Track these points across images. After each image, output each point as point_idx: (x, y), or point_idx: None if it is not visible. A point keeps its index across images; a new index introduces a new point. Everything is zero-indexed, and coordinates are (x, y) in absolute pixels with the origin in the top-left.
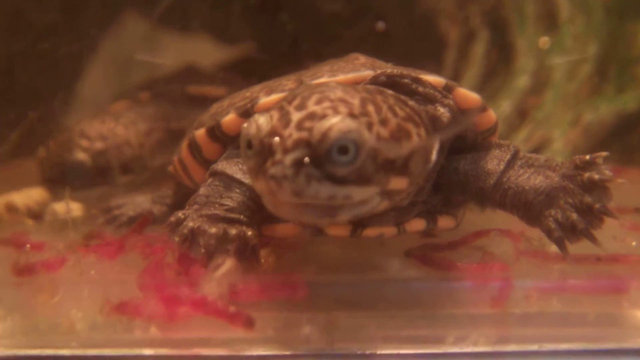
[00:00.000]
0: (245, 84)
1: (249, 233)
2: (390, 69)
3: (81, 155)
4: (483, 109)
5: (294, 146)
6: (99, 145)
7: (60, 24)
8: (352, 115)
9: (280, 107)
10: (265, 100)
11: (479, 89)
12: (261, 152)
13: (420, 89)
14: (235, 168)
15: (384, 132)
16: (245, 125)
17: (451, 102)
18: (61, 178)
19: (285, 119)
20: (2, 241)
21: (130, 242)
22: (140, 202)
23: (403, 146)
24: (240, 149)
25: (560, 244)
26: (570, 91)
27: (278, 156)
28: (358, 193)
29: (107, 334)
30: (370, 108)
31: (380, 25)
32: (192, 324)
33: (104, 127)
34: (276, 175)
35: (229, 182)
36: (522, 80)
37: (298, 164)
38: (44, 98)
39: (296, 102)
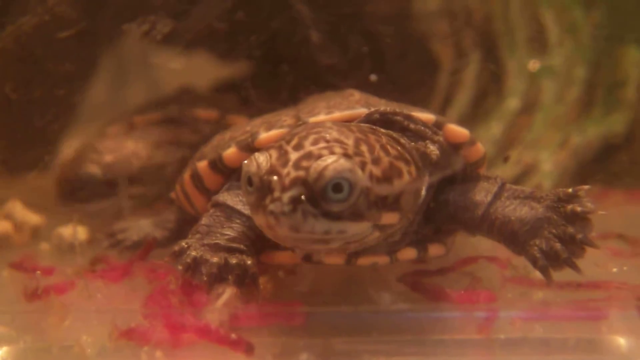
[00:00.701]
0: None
1: (249, 262)
2: (383, 106)
3: (92, 168)
4: (472, 143)
5: (291, 184)
6: (108, 157)
7: (75, 73)
8: (346, 155)
9: (279, 146)
10: (264, 135)
11: (469, 111)
12: (261, 188)
13: (412, 126)
14: (236, 200)
15: (377, 171)
16: (245, 162)
17: (441, 138)
18: (73, 193)
19: (283, 158)
20: (13, 265)
21: (135, 268)
22: (143, 226)
23: (394, 184)
24: (240, 181)
25: (544, 272)
26: (559, 113)
27: (276, 194)
28: (351, 228)
29: (116, 359)
30: (364, 148)
31: (373, 77)
32: (195, 350)
33: (114, 141)
34: (275, 212)
35: (230, 213)
36: (512, 102)
37: (295, 201)
38: (59, 142)
39: (294, 142)
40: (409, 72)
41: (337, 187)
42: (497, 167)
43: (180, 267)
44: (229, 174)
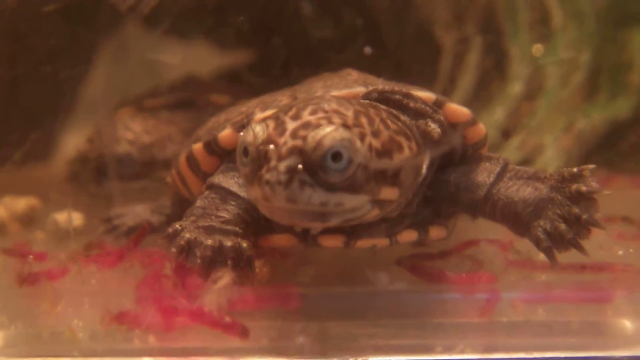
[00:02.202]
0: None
1: (244, 245)
2: (381, 85)
3: (128, 148)
4: (473, 123)
5: (288, 153)
6: (146, 138)
7: (62, 49)
8: (345, 125)
9: (276, 116)
10: (260, 115)
11: (473, 95)
12: (257, 159)
13: (412, 104)
14: (231, 181)
15: (376, 144)
16: (242, 133)
17: (441, 117)
18: (103, 171)
19: (280, 127)
20: (5, 251)
21: (129, 253)
22: (139, 211)
23: (394, 158)
24: (236, 162)
25: (549, 253)
26: (563, 98)
27: (273, 163)
28: (349, 201)
29: (107, 343)
30: (363, 120)
31: (368, 50)
32: (189, 334)
33: (148, 122)
34: (270, 181)
35: (225, 195)
36: (516, 87)
37: (292, 170)
38: (45, 119)
39: (292, 113)
40: (411, 56)
41: (336, 157)
42: (503, 150)
43: (173, 250)
44: (225, 155)
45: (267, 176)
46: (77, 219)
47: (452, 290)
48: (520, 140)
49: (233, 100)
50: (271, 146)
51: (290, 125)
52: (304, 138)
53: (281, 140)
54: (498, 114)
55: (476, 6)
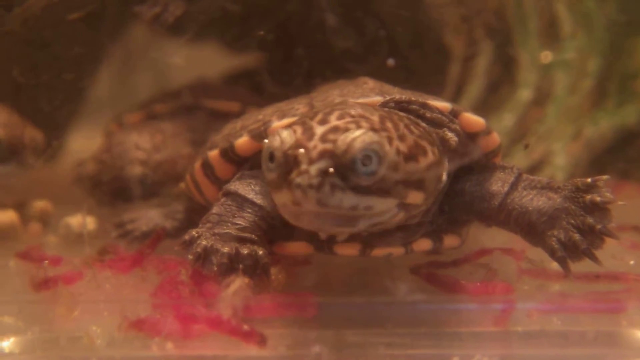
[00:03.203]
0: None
1: (260, 252)
2: (398, 94)
3: (142, 169)
4: (488, 132)
5: (319, 157)
6: (157, 157)
7: (84, 57)
8: (373, 129)
9: (303, 122)
10: (277, 124)
11: (482, 102)
12: (284, 164)
13: (428, 114)
14: (247, 189)
15: (403, 147)
16: (268, 139)
17: (457, 126)
18: (119, 193)
19: (309, 132)
20: (19, 255)
21: (144, 258)
22: (152, 216)
23: (420, 161)
24: (261, 167)
25: (563, 263)
26: (571, 105)
27: (304, 166)
28: (378, 204)
29: (126, 350)
30: (389, 124)
31: (391, 62)
32: (207, 341)
33: (156, 138)
34: (302, 185)
35: (242, 202)
36: (525, 94)
37: (323, 173)
38: (64, 125)
39: (318, 117)
40: (421, 61)
41: (366, 160)
42: (512, 156)
43: (190, 257)
44: (241, 163)
45: (299, 179)
46: (89, 223)
47: (468, 301)
48: (529, 146)
49: (242, 107)
50: (301, 150)
51: (319, 129)
52: (334, 142)
53: (311, 144)
54: (507, 120)
55: (486, 12)
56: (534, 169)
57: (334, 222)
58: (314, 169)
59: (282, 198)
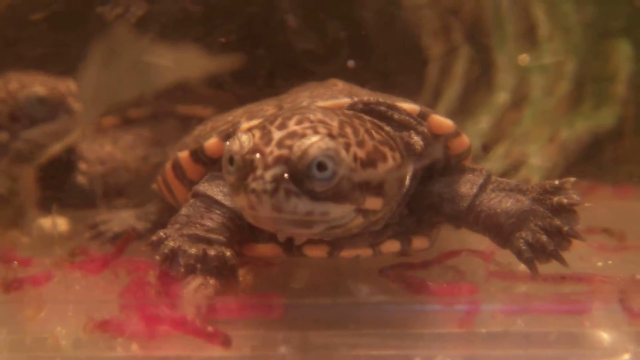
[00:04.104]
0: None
1: (228, 253)
2: (367, 96)
3: (80, 178)
4: (456, 134)
5: (274, 162)
6: (98, 168)
7: (49, 57)
8: (330, 135)
9: (263, 126)
10: (246, 125)
11: (459, 104)
12: (243, 168)
13: (396, 115)
14: (216, 190)
15: (361, 154)
16: (228, 142)
17: (425, 129)
18: (57, 196)
19: (266, 137)
20: None
21: (114, 259)
22: (125, 218)
23: (378, 168)
24: (222, 170)
25: (530, 264)
26: (548, 108)
27: (259, 172)
28: (334, 210)
29: (91, 350)
30: (348, 130)
31: (351, 63)
32: (171, 342)
33: (103, 150)
34: (256, 190)
35: (210, 203)
36: (501, 97)
37: (278, 179)
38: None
39: (277, 122)
40: (398, 65)
41: (321, 166)
42: (488, 159)
43: (157, 257)
44: (210, 164)
45: (253, 185)
46: (62, 224)
47: (433, 302)
48: (505, 149)
49: (217, 112)
50: (257, 155)
51: (277, 134)
52: (290, 147)
53: (267, 150)
54: (483, 123)
55: (463, 16)
56: (510, 171)
57: (290, 225)
58: (268, 175)
59: (240, 201)
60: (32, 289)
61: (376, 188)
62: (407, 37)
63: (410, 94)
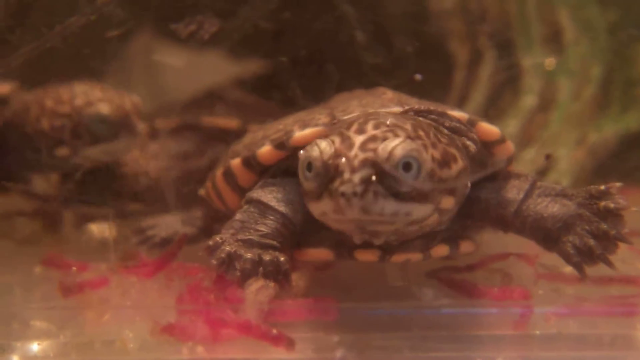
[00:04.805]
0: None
1: (282, 258)
2: (417, 104)
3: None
4: (502, 141)
5: (361, 165)
6: (120, 170)
7: (118, 70)
8: (409, 137)
9: (340, 132)
10: (299, 134)
11: (486, 109)
12: (324, 173)
13: (447, 123)
14: (270, 196)
15: (436, 154)
16: (305, 149)
17: (475, 135)
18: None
19: (347, 142)
20: (45, 261)
21: (167, 264)
22: (170, 222)
23: (452, 168)
24: (282, 175)
25: (579, 268)
26: (575, 111)
27: (346, 175)
28: (417, 210)
29: (158, 353)
30: (421, 133)
31: (418, 76)
32: (236, 345)
33: (129, 154)
34: (346, 193)
35: (264, 209)
36: (529, 100)
37: (366, 181)
38: None
39: (355, 127)
40: (426, 71)
41: (407, 167)
42: (518, 165)
43: (214, 262)
44: (262, 171)
45: (342, 188)
46: (109, 229)
47: (487, 304)
48: (534, 153)
49: (243, 124)
50: (343, 159)
51: (357, 139)
52: (374, 150)
53: (352, 154)
54: (511, 126)
55: (489, 20)
56: (539, 175)
57: (373, 225)
58: (357, 177)
59: (323, 207)
60: (91, 293)
61: (450, 188)
62: (434, 44)
63: (438, 99)
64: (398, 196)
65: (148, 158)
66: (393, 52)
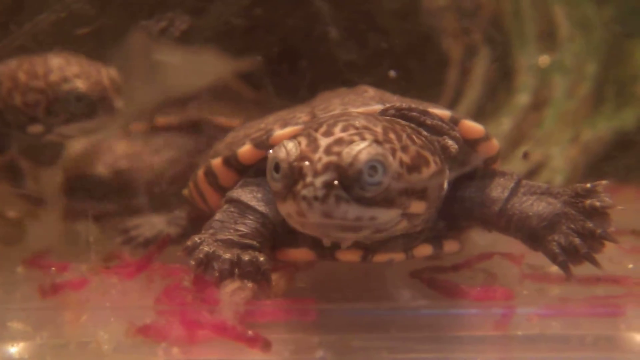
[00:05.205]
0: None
1: (261, 258)
2: (398, 102)
3: (103, 170)
4: (487, 139)
5: (324, 169)
6: (123, 163)
7: None
8: (377, 141)
9: (307, 134)
10: (279, 132)
11: (480, 107)
12: (290, 175)
13: (429, 121)
14: (249, 196)
15: (406, 158)
16: (273, 149)
17: (457, 134)
18: (78, 191)
19: (313, 144)
20: (26, 262)
21: (148, 265)
22: (155, 222)
23: (423, 172)
24: (266, 175)
25: (564, 267)
26: (569, 109)
27: (309, 179)
28: (382, 215)
29: (133, 355)
30: (392, 136)
31: (392, 73)
32: (212, 346)
33: (132, 148)
34: (307, 197)
35: (244, 209)
36: (523, 98)
37: (328, 186)
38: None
39: (323, 129)
40: (419, 67)
41: (371, 172)
42: (510, 161)
43: (192, 262)
44: (243, 171)
45: (304, 192)
46: (93, 228)
47: (469, 305)
48: (523, 152)
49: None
50: (306, 162)
51: (323, 141)
52: (339, 154)
53: (315, 157)
54: (505, 124)
55: (483, 17)
56: (532, 173)
57: (338, 230)
58: (319, 182)
59: (287, 208)
60: (70, 294)
61: (420, 192)
62: (427, 41)
63: (431, 97)
64: (362, 201)
65: (152, 153)
66: (368, 49)
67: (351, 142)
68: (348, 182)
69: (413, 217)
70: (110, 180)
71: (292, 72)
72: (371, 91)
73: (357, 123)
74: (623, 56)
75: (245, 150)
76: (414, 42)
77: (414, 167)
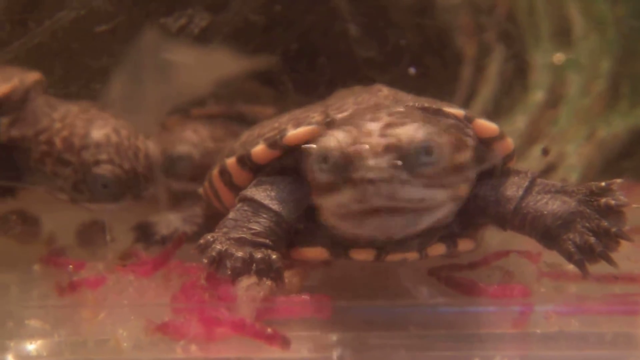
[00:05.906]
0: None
1: (274, 256)
2: (412, 101)
3: (187, 148)
4: (501, 137)
5: (385, 151)
6: (209, 144)
7: (111, 67)
8: (425, 123)
9: (352, 123)
10: (292, 132)
11: (494, 104)
12: (342, 164)
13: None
14: (263, 195)
15: (450, 139)
16: (320, 140)
17: (471, 132)
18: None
19: (365, 130)
20: (43, 259)
21: (165, 263)
22: (171, 220)
23: (463, 153)
24: (277, 174)
25: (580, 266)
26: (584, 106)
27: (371, 162)
28: (440, 195)
29: (152, 352)
30: (431, 120)
31: (412, 70)
32: (230, 344)
33: (198, 135)
34: (374, 179)
35: (257, 207)
36: (537, 96)
37: (392, 166)
38: None
39: (368, 117)
40: (434, 65)
41: (428, 151)
42: (526, 158)
43: (205, 260)
44: (257, 170)
45: (370, 174)
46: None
47: (487, 303)
48: (541, 149)
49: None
50: (365, 146)
51: (374, 126)
52: (396, 135)
53: (373, 141)
54: (519, 122)
55: (498, 14)
56: (547, 170)
57: (400, 220)
58: (383, 163)
59: (341, 198)
60: (87, 291)
61: (465, 174)
62: (441, 39)
63: (445, 95)
64: (422, 182)
65: (208, 139)
66: (387, 46)
67: (403, 124)
68: (408, 162)
69: (457, 200)
70: (198, 161)
71: (310, 69)
72: (385, 90)
73: (397, 110)
74: (638, 53)
75: (259, 150)
76: (430, 39)
77: (456, 149)
